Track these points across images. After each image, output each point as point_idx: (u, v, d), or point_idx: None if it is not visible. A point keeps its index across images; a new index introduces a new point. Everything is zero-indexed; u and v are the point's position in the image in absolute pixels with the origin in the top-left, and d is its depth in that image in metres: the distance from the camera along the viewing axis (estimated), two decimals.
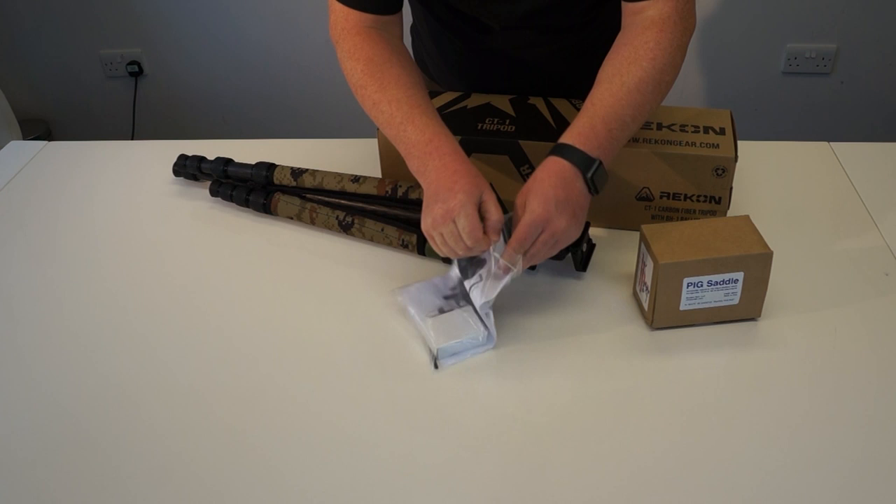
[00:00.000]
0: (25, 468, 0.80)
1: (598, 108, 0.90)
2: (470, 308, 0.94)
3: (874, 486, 0.74)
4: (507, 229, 0.90)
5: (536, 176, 0.89)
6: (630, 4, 0.95)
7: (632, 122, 0.92)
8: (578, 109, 1.10)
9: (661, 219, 1.06)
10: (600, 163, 0.89)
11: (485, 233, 0.87)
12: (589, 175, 0.88)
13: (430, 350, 0.90)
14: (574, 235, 0.90)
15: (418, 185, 1.06)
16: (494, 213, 0.88)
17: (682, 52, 0.93)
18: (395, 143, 0.97)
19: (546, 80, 1.17)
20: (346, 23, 1.02)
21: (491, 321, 0.91)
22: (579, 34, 1.13)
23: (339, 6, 1.02)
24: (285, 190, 1.14)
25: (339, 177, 1.10)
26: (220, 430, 0.83)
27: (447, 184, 0.88)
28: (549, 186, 0.87)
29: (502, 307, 0.96)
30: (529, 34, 1.11)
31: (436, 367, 0.89)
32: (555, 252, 0.90)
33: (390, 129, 0.96)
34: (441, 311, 0.94)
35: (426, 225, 0.90)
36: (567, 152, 0.89)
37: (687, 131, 1.05)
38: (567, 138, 0.90)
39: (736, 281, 0.88)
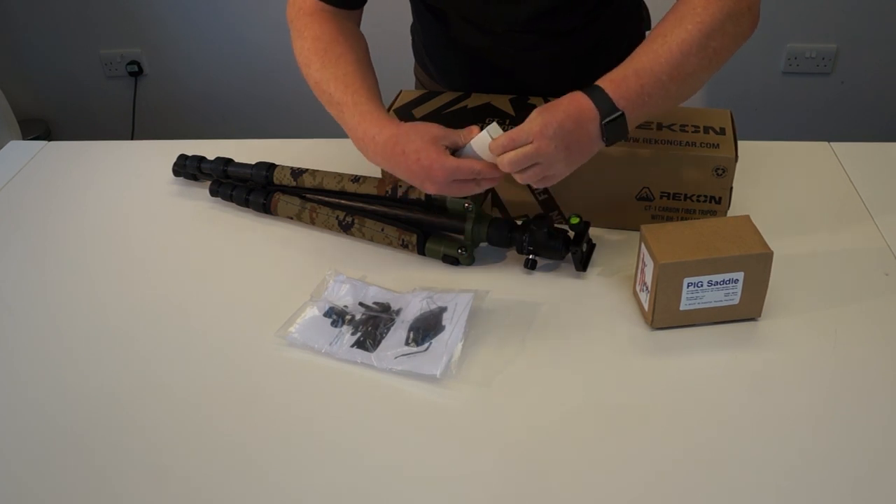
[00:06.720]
0: (22, 468, 0.80)
1: (635, 61, 0.88)
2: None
3: (875, 486, 0.74)
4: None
5: (556, 101, 0.88)
6: None
7: (669, 81, 0.87)
8: None
9: (661, 219, 1.06)
10: (622, 114, 0.87)
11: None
12: (605, 121, 0.86)
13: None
14: (561, 173, 0.88)
15: None
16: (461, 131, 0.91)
17: (733, 21, 0.88)
18: (338, 122, 0.97)
19: (547, 82, 1.16)
20: (302, 3, 1.04)
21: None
22: (580, 37, 1.13)
23: None
24: (285, 190, 1.14)
25: (339, 177, 1.10)
26: (221, 430, 0.83)
27: (403, 140, 0.90)
28: (561, 113, 0.86)
29: (501, 306, 0.96)
30: (531, 37, 1.11)
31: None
32: (532, 180, 0.89)
33: (332, 108, 0.97)
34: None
35: (440, 177, 0.88)
36: (593, 92, 0.87)
37: (687, 131, 1.05)
38: (599, 81, 0.88)
39: (736, 281, 0.88)
